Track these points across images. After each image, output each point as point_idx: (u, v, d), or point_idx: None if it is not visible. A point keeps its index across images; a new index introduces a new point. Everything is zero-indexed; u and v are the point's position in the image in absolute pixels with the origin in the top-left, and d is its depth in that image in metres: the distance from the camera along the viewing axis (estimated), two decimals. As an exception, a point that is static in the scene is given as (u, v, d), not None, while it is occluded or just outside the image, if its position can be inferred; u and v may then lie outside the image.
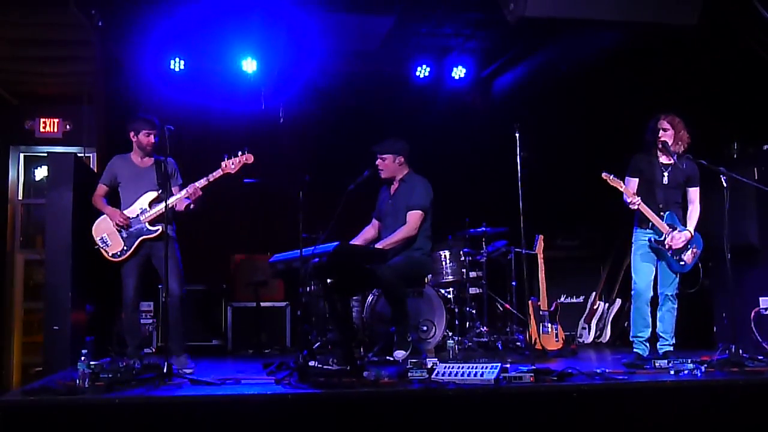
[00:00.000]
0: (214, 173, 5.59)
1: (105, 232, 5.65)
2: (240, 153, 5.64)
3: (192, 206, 5.64)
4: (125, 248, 5.58)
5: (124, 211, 5.65)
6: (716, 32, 6.64)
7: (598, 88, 7.82)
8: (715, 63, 7.13)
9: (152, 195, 5.62)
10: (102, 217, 5.68)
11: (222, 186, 5.75)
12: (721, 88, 7.11)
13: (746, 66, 6.78)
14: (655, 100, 7.03)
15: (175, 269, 5.52)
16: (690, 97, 7.11)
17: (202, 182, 5.56)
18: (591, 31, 6.95)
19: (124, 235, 5.60)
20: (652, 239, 5.75)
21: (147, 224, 5.59)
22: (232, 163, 5.60)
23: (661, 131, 5.78)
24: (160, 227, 5.53)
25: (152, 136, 5.67)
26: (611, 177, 5.71)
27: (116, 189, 5.78)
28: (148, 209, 5.60)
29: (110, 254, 5.62)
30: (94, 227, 5.69)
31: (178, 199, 5.58)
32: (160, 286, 6.52)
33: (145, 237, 5.59)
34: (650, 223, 5.73)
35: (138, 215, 5.60)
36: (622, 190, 5.70)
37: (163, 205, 5.40)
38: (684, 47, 6.95)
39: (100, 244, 5.64)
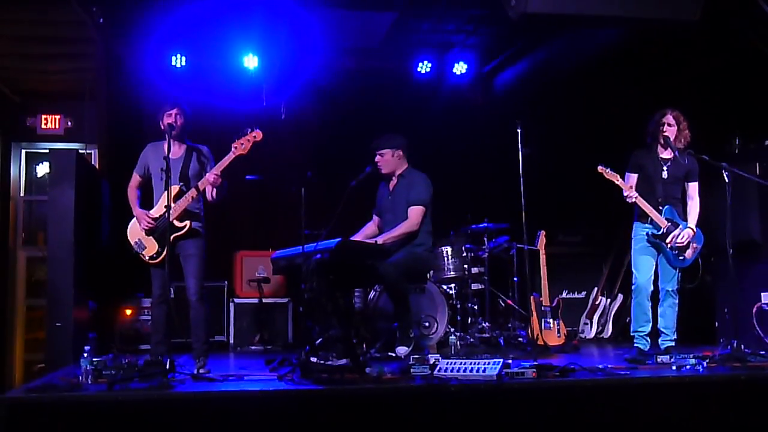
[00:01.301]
0: (227, 157, 5.36)
1: (138, 235, 5.46)
2: (249, 131, 5.42)
3: (223, 193, 5.47)
4: (160, 249, 5.37)
5: (153, 210, 5.45)
6: (718, 28, 6.63)
7: (600, 83, 7.82)
8: (716, 59, 7.13)
9: (176, 189, 5.31)
10: (134, 219, 5.50)
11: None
12: (723, 83, 7.11)
13: (748, 62, 6.78)
14: (656, 95, 7.03)
15: (195, 269, 5.38)
16: (692, 92, 7.11)
17: (218, 168, 5.35)
18: (592, 27, 6.94)
19: (156, 236, 5.40)
20: (650, 233, 5.76)
21: (175, 221, 5.29)
22: (242, 144, 5.37)
23: (665, 125, 5.79)
24: (187, 223, 5.34)
25: (173, 116, 5.41)
26: (607, 171, 5.72)
27: (150, 180, 5.57)
28: (173, 205, 5.20)
29: (147, 257, 5.43)
30: (128, 230, 5.52)
31: (203, 190, 5.39)
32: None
33: (174, 234, 5.30)
34: (649, 218, 5.74)
35: (164, 213, 5.24)
36: (617, 183, 5.71)
37: (184, 199, 5.31)
38: (686, 43, 6.95)
39: (136, 248, 5.46)
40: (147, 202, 5.58)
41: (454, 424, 4.30)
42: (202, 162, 5.53)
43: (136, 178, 5.63)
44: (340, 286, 5.92)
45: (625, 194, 5.69)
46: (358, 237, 6.22)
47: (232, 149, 5.39)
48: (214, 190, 5.42)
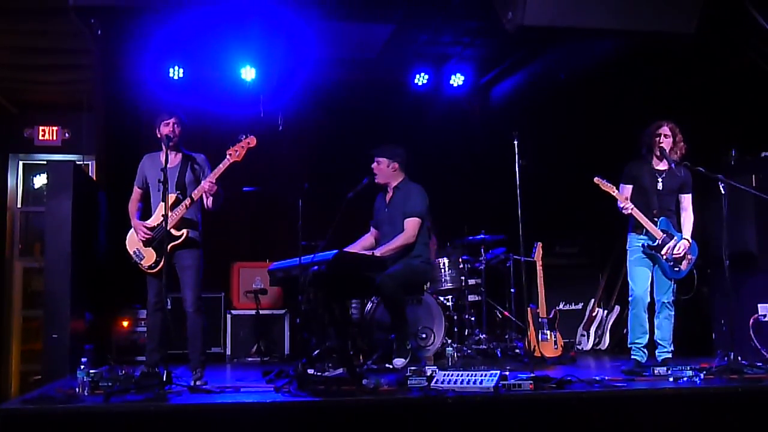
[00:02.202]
0: (221, 164, 5.36)
1: (136, 245, 5.46)
2: (243, 137, 5.42)
3: (220, 201, 5.47)
4: (158, 259, 5.35)
5: (150, 220, 5.46)
6: (714, 41, 6.66)
7: (597, 95, 7.84)
8: (712, 71, 7.16)
9: (173, 197, 5.33)
10: (132, 229, 5.52)
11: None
12: (719, 95, 7.14)
13: (744, 74, 6.81)
14: (653, 107, 7.05)
15: (192, 280, 5.37)
16: (688, 104, 7.13)
17: (213, 175, 5.34)
18: (589, 40, 6.98)
19: (154, 245, 5.39)
20: (645, 245, 5.77)
21: (172, 230, 5.34)
22: (236, 150, 5.37)
23: (661, 137, 5.80)
24: (184, 231, 5.34)
25: (171, 125, 5.44)
26: (603, 182, 5.73)
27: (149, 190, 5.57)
28: (170, 214, 5.22)
29: (146, 267, 5.42)
30: (127, 240, 5.51)
31: (197, 198, 5.39)
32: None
33: (171, 243, 5.31)
34: (644, 229, 5.75)
35: (161, 223, 5.31)
36: (614, 195, 5.72)
37: (181, 207, 5.32)
38: (682, 55, 6.98)
39: (134, 258, 5.46)
40: (146, 213, 5.58)
41: (451, 436, 4.30)
42: (196, 170, 5.53)
43: (136, 191, 5.64)
44: (337, 298, 5.91)
45: (620, 206, 5.70)
46: (354, 248, 6.21)
47: (227, 156, 5.40)
48: (210, 198, 5.43)
